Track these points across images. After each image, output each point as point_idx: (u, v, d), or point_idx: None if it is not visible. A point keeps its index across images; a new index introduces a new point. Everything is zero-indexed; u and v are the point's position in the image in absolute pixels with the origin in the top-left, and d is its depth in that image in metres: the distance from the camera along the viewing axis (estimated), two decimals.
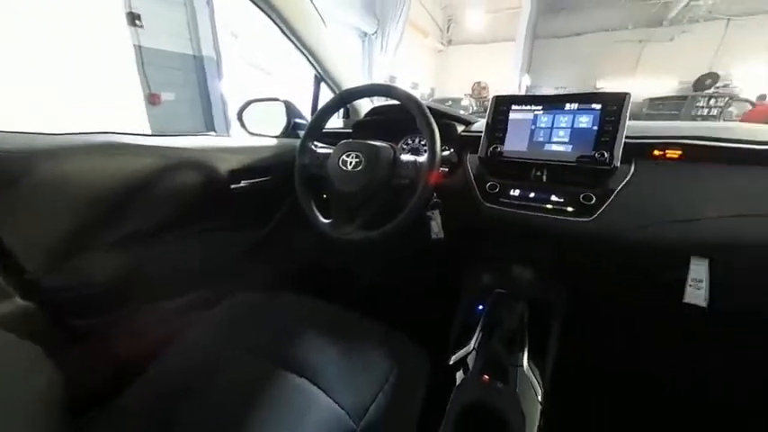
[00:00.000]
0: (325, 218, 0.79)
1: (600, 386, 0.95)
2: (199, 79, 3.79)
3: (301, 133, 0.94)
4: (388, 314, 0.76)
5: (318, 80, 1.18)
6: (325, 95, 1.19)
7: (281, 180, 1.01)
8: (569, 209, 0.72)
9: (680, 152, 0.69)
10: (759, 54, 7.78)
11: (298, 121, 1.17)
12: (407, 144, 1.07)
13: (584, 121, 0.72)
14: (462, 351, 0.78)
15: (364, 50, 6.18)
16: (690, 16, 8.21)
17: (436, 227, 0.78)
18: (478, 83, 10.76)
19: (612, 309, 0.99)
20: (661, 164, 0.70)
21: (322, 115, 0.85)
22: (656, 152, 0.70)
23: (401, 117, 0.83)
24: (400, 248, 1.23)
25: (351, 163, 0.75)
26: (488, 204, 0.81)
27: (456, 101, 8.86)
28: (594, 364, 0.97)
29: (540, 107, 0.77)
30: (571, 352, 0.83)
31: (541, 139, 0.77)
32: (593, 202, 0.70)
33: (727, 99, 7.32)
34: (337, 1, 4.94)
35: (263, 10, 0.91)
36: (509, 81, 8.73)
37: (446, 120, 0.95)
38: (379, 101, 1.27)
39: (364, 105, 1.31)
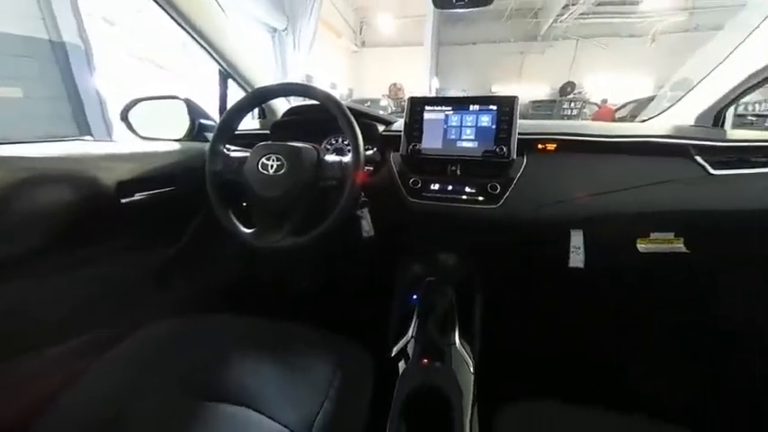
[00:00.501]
0: (248, 227, 0.73)
1: (520, 344, 1.10)
2: (63, 72, 3.04)
3: (209, 136, 0.85)
4: (327, 318, 0.74)
5: (224, 76, 1.07)
6: (235, 94, 1.09)
7: (190, 189, 0.89)
8: (480, 198, 0.82)
9: (555, 145, 0.84)
10: (600, 68, 10.17)
11: (203, 122, 1.05)
12: (331, 144, 1.06)
13: (485, 120, 0.82)
14: (402, 341, 0.81)
15: (275, 47, 5.85)
16: (554, 34, 10.10)
17: (367, 225, 0.79)
18: (395, 84, 11.27)
19: (517, 278, 1.16)
20: (544, 155, 0.85)
21: (233, 115, 0.77)
22: (540, 146, 0.85)
23: (322, 117, 0.81)
24: (332, 250, 1.21)
25: (272, 166, 0.71)
26: (412, 199, 0.86)
27: (375, 101, 9.12)
28: (514, 328, 1.12)
29: (449, 108, 0.85)
30: (493, 321, 0.95)
31: (453, 137, 0.85)
32: (498, 191, 0.81)
33: (581, 103, 9.49)
34: None
35: None
36: (421, 83, 9.38)
37: (367, 120, 0.97)
38: (297, 101, 1.22)
39: (281, 105, 1.24)
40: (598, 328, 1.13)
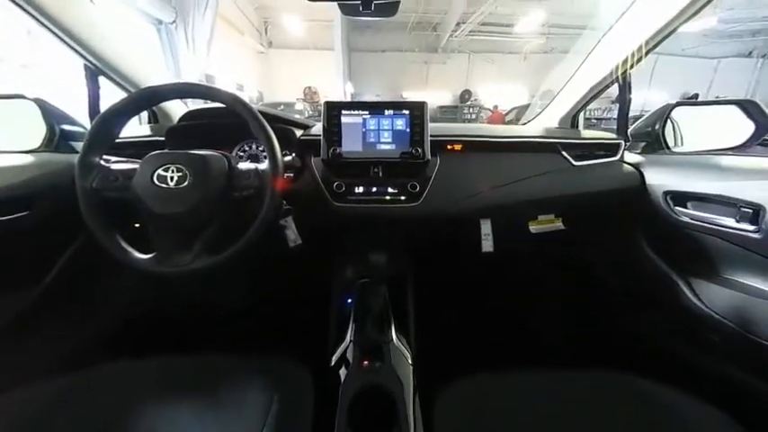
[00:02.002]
0: (146, 251, 0.62)
1: (451, 328, 1.20)
2: None
3: (77, 146, 0.68)
4: (259, 338, 0.68)
5: (93, 73, 0.88)
6: (110, 96, 0.90)
7: (53, 213, 0.71)
8: (402, 197, 0.87)
9: (461, 146, 0.95)
10: (490, 79, 11.87)
11: (67, 128, 0.84)
12: (244, 151, 0.97)
13: (400, 124, 0.87)
14: (340, 348, 0.80)
15: (163, 42, 5.09)
16: (451, 47, 11.32)
17: (292, 234, 0.75)
18: (309, 88, 10.99)
19: (442, 268, 1.26)
20: (453, 155, 0.94)
21: (111, 119, 0.64)
22: (449, 147, 0.94)
23: (229, 122, 0.74)
24: (256, 264, 1.12)
25: (172, 179, 0.61)
26: (338, 203, 0.86)
27: (289, 105, 8.75)
28: (444, 315, 1.21)
29: (366, 112, 0.87)
30: (426, 312, 1.01)
31: (372, 140, 0.87)
32: (418, 189, 0.87)
33: (478, 108, 10.92)
34: None
35: None
36: (335, 87, 9.39)
37: (282, 124, 0.92)
38: (197, 104, 1.08)
39: (177, 109, 1.09)
40: (512, 300, 1.31)
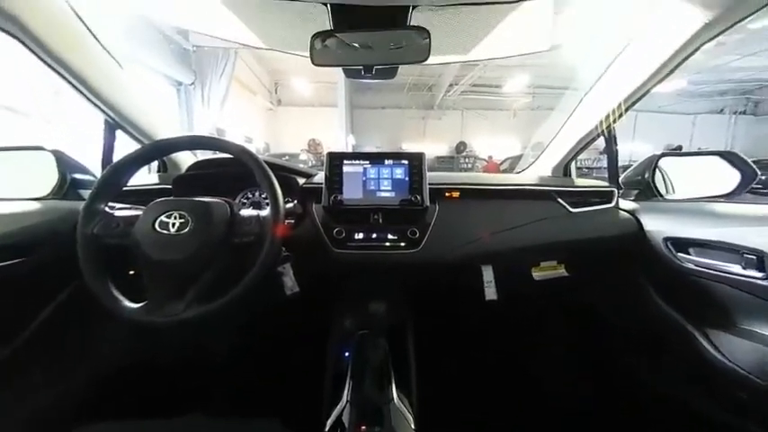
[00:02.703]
0: (137, 300, 0.60)
1: (455, 383, 1.10)
2: None
3: (85, 194, 0.70)
4: (250, 397, 0.62)
5: (112, 127, 0.94)
6: (124, 147, 0.96)
7: (52, 259, 0.70)
8: (402, 244, 0.87)
9: (459, 193, 0.97)
10: (483, 132, 12.69)
11: (78, 177, 0.88)
12: (247, 198, 1.00)
13: (399, 172, 0.90)
14: (336, 410, 0.73)
15: (180, 100, 5.54)
16: (446, 105, 12.26)
17: (290, 281, 0.73)
18: (313, 140, 11.65)
19: (445, 318, 1.21)
20: (452, 202, 0.96)
21: (122, 168, 0.67)
22: (447, 194, 0.97)
23: (235, 171, 0.77)
24: (251, 314, 1.07)
25: (173, 225, 0.62)
26: (338, 250, 0.85)
27: (293, 156, 9.18)
28: (447, 367, 1.13)
29: (367, 162, 0.91)
30: (428, 366, 0.94)
31: (373, 188, 0.90)
32: (418, 235, 0.87)
33: (473, 158, 11.50)
34: (134, 41, 4.28)
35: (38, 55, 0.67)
36: (339, 139, 9.96)
37: (285, 173, 0.96)
38: (205, 154, 1.14)
39: (186, 159, 1.14)
40: (515, 347, 1.24)
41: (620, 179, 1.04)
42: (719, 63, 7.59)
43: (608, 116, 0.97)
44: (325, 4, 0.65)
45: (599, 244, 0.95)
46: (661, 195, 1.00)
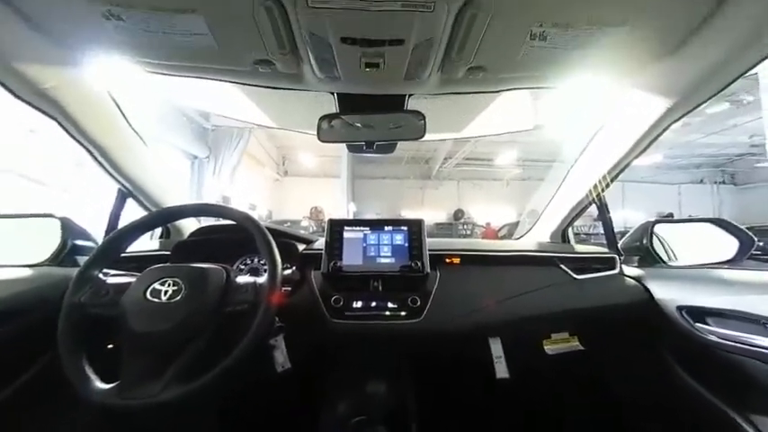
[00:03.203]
0: (110, 379, 0.54)
1: None
2: None
3: (82, 260, 0.70)
4: None
5: (124, 195, 0.98)
6: (131, 214, 0.99)
7: (38, 326, 0.66)
8: (403, 313, 0.82)
9: (459, 259, 0.96)
10: (479, 201, 13.28)
11: (79, 243, 0.88)
12: (246, 264, 0.98)
13: (399, 239, 0.91)
14: None
15: (193, 171, 5.91)
16: (442, 175, 13.06)
17: (281, 356, 0.67)
18: (315, 207, 12.07)
19: (450, 399, 1.08)
20: (453, 269, 0.95)
21: (124, 235, 0.68)
22: (448, 260, 0.96)
23: (236, 237, 0.78)
24: (236, 392, 0.95)
25: (166, 293, 0.59)
26: (335, 320, 0.81)
27: (295, 222, 9.39)
28: None
29: (367, 228, 0.93)
30: None
31: (372, 254, 0.89)
32: (419, 304, 0.83)
33: (471, 225, 11.78)
34: (163, 124, 4.77)
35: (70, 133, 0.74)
36: (340, 207, 10.32)
37: (286, 239, 0.96)
38: (208, 220, 1.17)
39: (189, 225, 1.16)
40: (527, 427, 1.08)
41: (618, 245, 1.04)
42: (689, 139, 8.36)
43: (596, 186, 1.02)
44: (333, 93, 0.75)
45: (609, 312, 0.91)
46: (663, 261, 0.99)
